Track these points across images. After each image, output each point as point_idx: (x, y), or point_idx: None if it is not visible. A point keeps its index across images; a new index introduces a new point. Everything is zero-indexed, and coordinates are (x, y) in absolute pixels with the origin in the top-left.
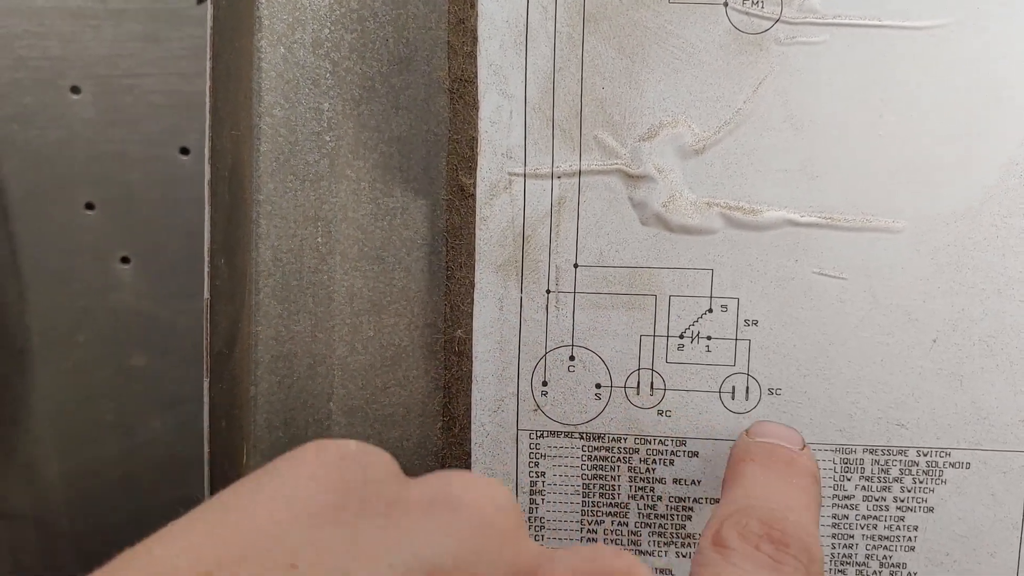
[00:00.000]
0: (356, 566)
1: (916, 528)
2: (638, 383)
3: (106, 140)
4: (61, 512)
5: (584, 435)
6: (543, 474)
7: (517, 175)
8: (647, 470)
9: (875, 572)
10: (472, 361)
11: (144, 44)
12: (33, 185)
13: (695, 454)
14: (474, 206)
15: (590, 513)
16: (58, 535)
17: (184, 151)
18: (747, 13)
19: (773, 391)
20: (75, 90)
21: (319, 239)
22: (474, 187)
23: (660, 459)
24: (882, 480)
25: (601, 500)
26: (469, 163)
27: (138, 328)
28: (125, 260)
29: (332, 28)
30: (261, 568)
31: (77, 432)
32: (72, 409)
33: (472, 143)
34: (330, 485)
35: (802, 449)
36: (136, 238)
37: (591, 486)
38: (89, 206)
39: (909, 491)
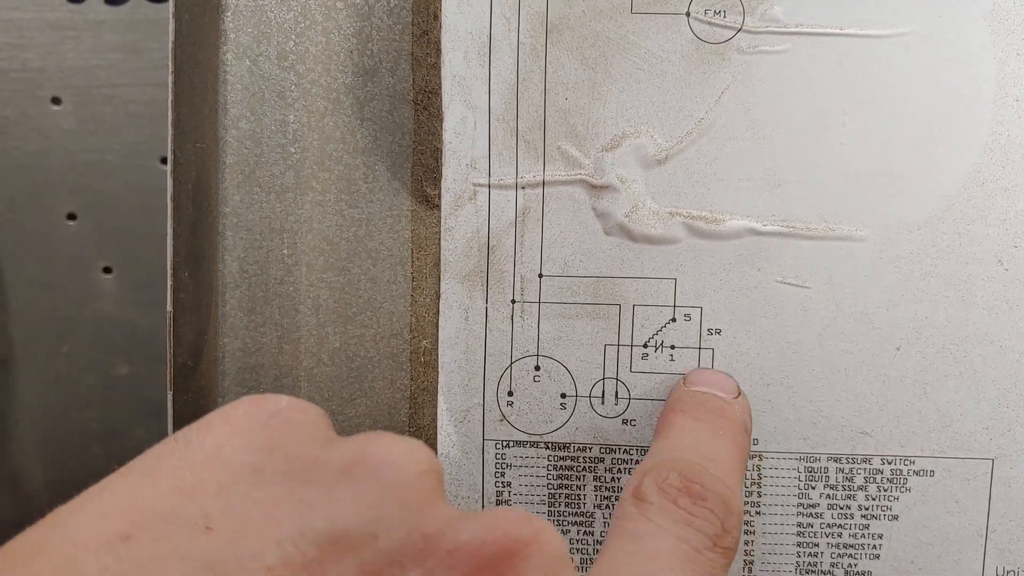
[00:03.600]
0: (256, 533)
1: (881, 536)
2: (603, 392)
3: (86, 150)
4: None
5: (550, 444)
6: (509, 484)
7: (481, 186)
8: (612, 479)
9: None
10: (438, 371)
11: (123, 55)
12: (14, 196)
13: None
14: (439, 217)
15: (556, 523)
16: None
17: (164, 161)
18: (709, 23)
19: None
20: (55, 101)
21: (285, 251)
22: (439, 198)
23: (625, 468)
24: (847, 488)
25: (567, 509)
26: (434, 174)
27: (121, 338)
28: (107, 270)
29: (297, 40)
30: (177, 529)
31: (61, 441)
32: (56, 418)
33: (436, 154)
34: (254, 444)
35: (736, 397)
36: (118, 248)
37: (557, 496)
38: (71, 216)
39: (874, 499)
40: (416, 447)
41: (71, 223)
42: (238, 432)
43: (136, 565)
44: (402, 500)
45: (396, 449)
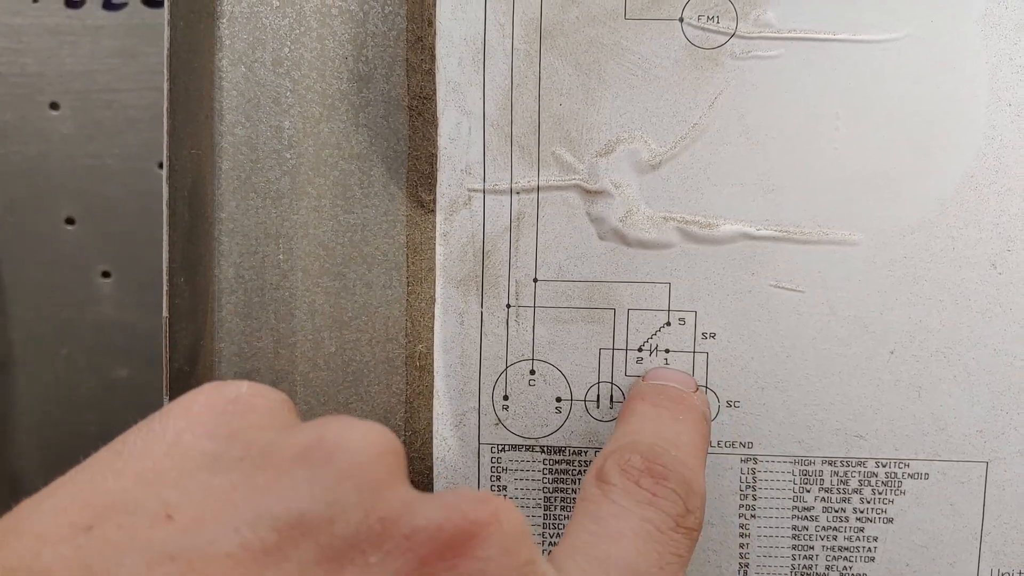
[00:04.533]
0: (215, 520)
1: (876, 539)
2: (598, 396)
3: (85, 155)
4: None
5: (545, 448)
6: (505, 488)
7: (476, 191)
8: None
9: None
10: (433, 376)
11: (121, 60)
12: (14, 200)
13: None
14: (434, 222)
15: (552, 526)
16: None
17: (163, 165)
18: (702, 28)
19: (731, 403)
20: (54, 106)
21: (281, 256)
22: (434, 203)
23: None
24: (841, 491)
25: (562, 513)
26: (429, 179)
27: (120, 340)
28: (106, 274)
29: (292, 47)
30: (138, 518)
31: (61, 444)
32: (56, 421)
33: (431, 159)
34: (213, 432)
35: (695, 392)
36: (116, 252)
37: (552, 499)
38: (69, 221)
39: (868, 502)
40: (373, 429)
41: (70, 227)
42: (198, 420)
43: (97, 554)
44: (359, 483)
45: (353, 432)
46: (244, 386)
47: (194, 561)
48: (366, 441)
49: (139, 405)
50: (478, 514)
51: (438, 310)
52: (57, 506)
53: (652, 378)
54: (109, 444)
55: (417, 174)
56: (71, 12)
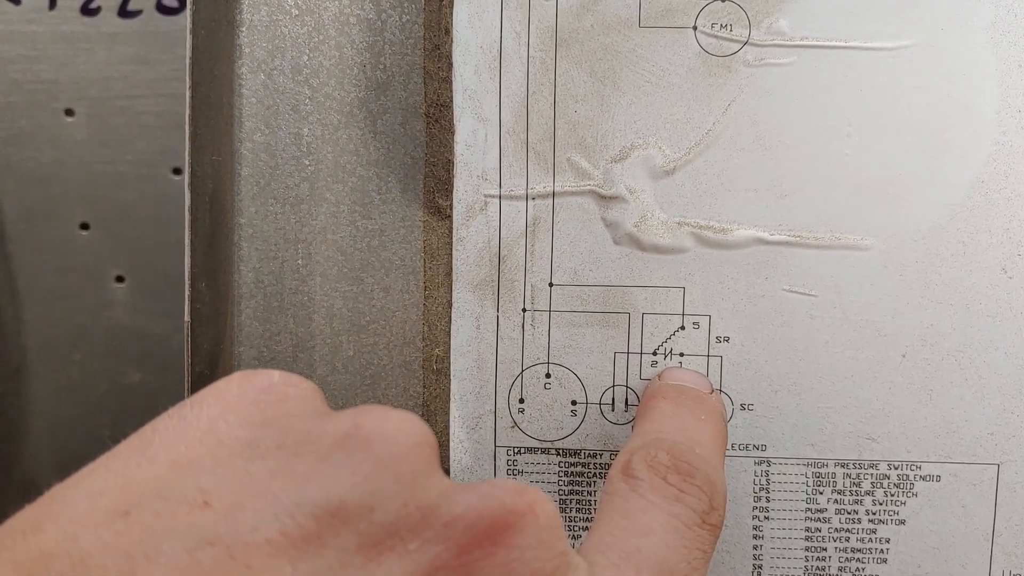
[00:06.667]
0: (254, 506)
1: (888, 540)
2: (613, 399)
3: (99, 161)
4: None
5: (561, 451)
6: None
7: (492, 197)
8: None
9: None
10: (450, 379)
11: (136, 66)
12: (29, 206)
13: None
14: (451, 227)
15: (568, 528)
16: None
17: (176, 171)
18: (716, 36)
19: (745, 407)
20: (69, 112)
21: (299, 261)
22: (450, 209)
23: None
24: (854, 493)
25: (579, 515)
26: (445, 185)
27: (133, 346)
28: (120, 279)
29: (311, 55)
30: (175, 505)
31: (75, 448)
32: (69, 425)
33: (448, 166)
34: (248, 420)
35: (710, 393)
36: (130, 258)
37: (568, 501)
38: (84, 226)
39: (881, 504)
40: (409, 419)
41: (84, 232)
42: (231, 407)
43: (136, 540)
44: (397, 472)
45: (389, 422)
46: (275, 375)
47: (233, 547)
48: (402, 431)
49: (152, 409)
50: (516, 504)
51: (455, 314)
52: (92, 491)
53: (668, 378)
54: (138, 431)
55: (434, 180)
56: (86, 19)
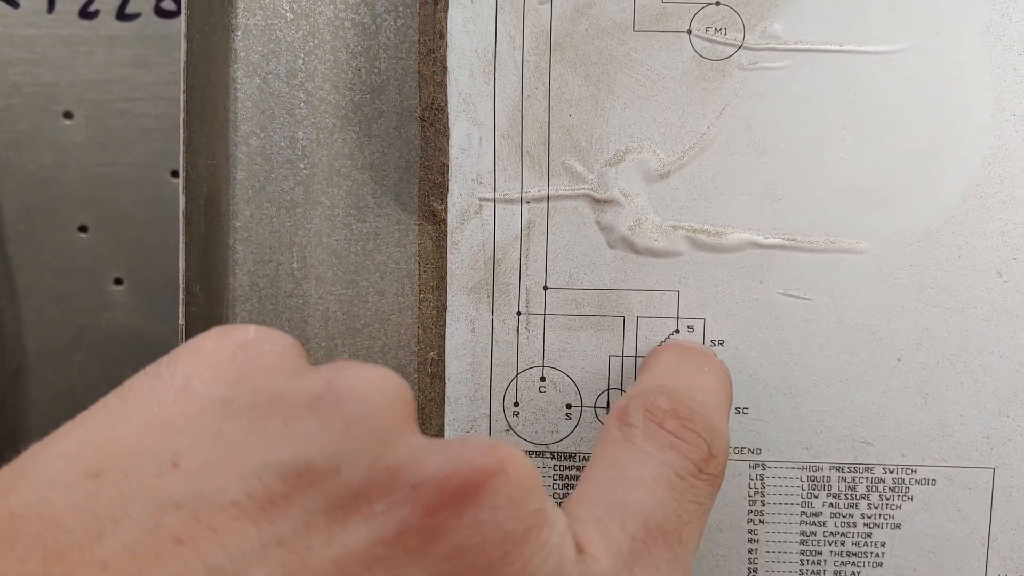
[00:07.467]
0: (222, 467)
1: (883, 544)
2: (608, 403)
3: (98, 164)
4: None
5: (556, 454)
6: None
7: (487, 200)
8: None
9: None
10: (445, 382)
11: (135, 69)
12: (28, 208)
13: None
14: (445, 231)
15: None
16: None
17: (175, 174)
18: (710, 40)
19: (740, 410)
20: (68, 115)
21: (294, 264)
22: (445, 212)
23: None
24: (849, 497)
25: None
26: (440, 189)
27: (132, 348)
28: (118, 281)
29: (306, 59)
30: (144, 466)
31: None
32: None
33: (443, 169)
34: (222, 377)
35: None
36: (129, 260)
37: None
38: (82, 228)
39: (876, 508)
40: (383, 375)
41: (83, 235)
42: (206, 365)
43: (103, 502)
44: (367, 431)
45: (362, 378)
46: (252, 330)
47: (199, 510)
48: (375, 387)
49: None
50: (485, 463)
51: (449, 318)
52: (67, 451)
53: (673, 340)
54: (116, 389)
55: (429, 184)
56: (85, 23)
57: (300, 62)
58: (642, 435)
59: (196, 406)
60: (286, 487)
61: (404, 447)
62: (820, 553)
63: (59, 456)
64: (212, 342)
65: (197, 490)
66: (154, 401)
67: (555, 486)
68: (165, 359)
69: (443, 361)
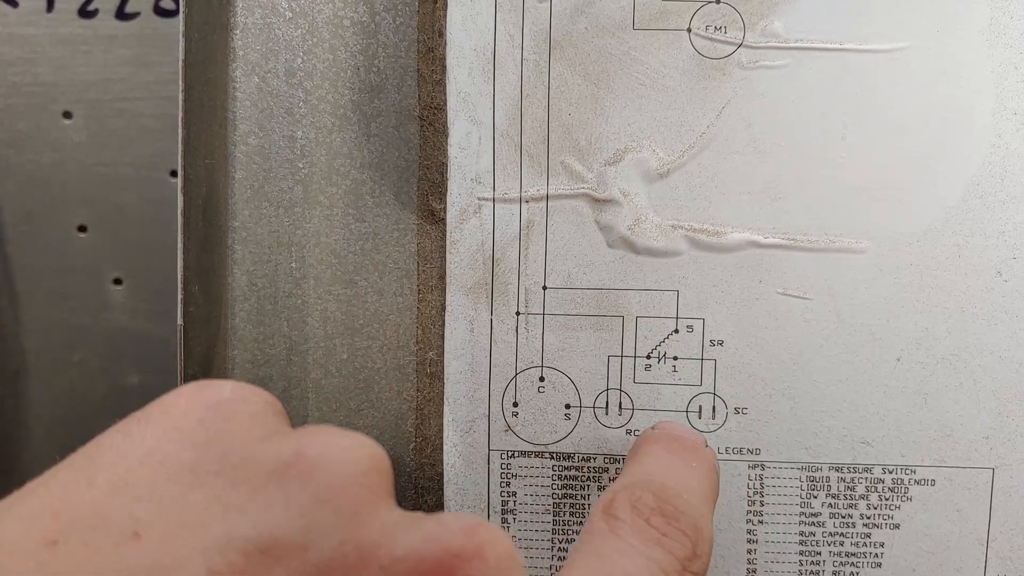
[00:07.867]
0: (184, 540)
1: (882, 545)
2: (607, 403)
3: (98, 163)
4: None
5: (554, 455)
6: (514, 494)
7: (486, 200)
8: None
9: None
10: (444, 382)
11: (134, 69)
12: (27, 208)
13: None
14: (444, 230)
15: (560, 532)
16: None
17: (174, 173)
18: (710, 39)
19: (739, 410)
20: (67, 115)
21: (293, 264)
22: (444, 212)
23: None
24: (848, 497)
25: (571, 519)
26: (439, 188)
27: (131, 348)
28: (118, 281)
29: (305, 58)
30: (104, 535)
31: (73, 449)
32: (69, 427)
33: (442, 169)
34: (192, 439)
35: (704, 447)
36: (128, 259)
37: (561, 505)
38: (82, 228)
39: (875, 508)
40: (358, 444)
41: (82, 235)
42: (176, 426)
43: (60, 573)
44: (336, 506)
45: (335, 448)
46: (227, 389)
47: None
48: (348, 458)
49: None
50: (462, 546)
51: (448, 317)
52: (27, 514)
53: (662, 428)
54: (85, 447)
55: (428, 183)
56: (84, 22)
57: (299, 61)
58: (629, 529)
59: (162, 471)
60: (248, 563)
61: (376, 524)
62: (819, 553)
63: (18, 519)
64: (185, 400)
65: (158, 563)
66: (121, 463)
67: (553, 486)
68: (136, 415)
69: (442, 361)
